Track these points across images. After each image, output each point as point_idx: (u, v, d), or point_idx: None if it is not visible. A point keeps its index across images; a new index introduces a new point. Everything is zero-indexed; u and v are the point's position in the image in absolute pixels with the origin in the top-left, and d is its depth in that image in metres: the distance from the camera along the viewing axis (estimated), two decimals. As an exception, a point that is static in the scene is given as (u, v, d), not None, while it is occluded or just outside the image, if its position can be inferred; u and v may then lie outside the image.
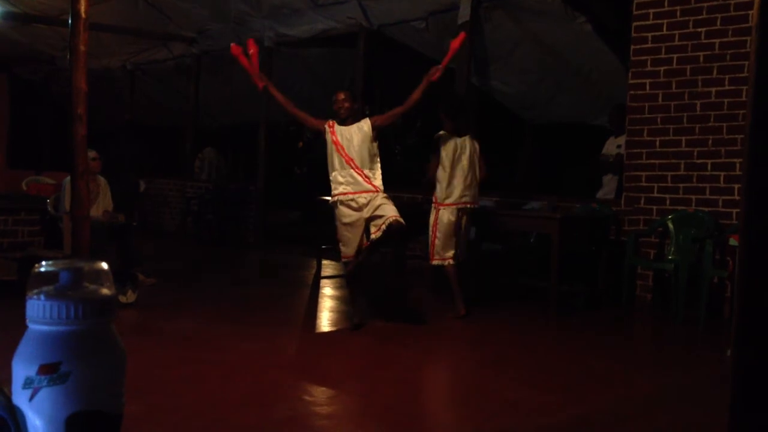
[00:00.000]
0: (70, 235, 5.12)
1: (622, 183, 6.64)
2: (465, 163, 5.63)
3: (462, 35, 5.53)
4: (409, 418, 3.44)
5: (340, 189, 5.13)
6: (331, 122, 5.24)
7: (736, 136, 5.85)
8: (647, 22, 6.34)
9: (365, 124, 5.18)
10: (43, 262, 2.11)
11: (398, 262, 7.44)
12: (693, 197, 6.10)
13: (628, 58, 6.58)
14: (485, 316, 5.78)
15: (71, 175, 4.96)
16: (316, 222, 8.46)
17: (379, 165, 5.20)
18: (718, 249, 5.80)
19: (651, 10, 6.32)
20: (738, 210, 5.04)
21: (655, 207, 6.31)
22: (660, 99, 6.28)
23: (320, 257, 7.79)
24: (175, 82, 12.33)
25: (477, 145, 5.75)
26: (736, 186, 5.83)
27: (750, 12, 5.62)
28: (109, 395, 2.05)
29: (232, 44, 5.49)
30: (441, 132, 5.73)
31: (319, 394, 3.76)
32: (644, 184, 6.37)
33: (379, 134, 5.22)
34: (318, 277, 7.42)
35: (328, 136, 5.21)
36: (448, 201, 5.65)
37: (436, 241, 5.67)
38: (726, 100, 5.92)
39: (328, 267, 7.88)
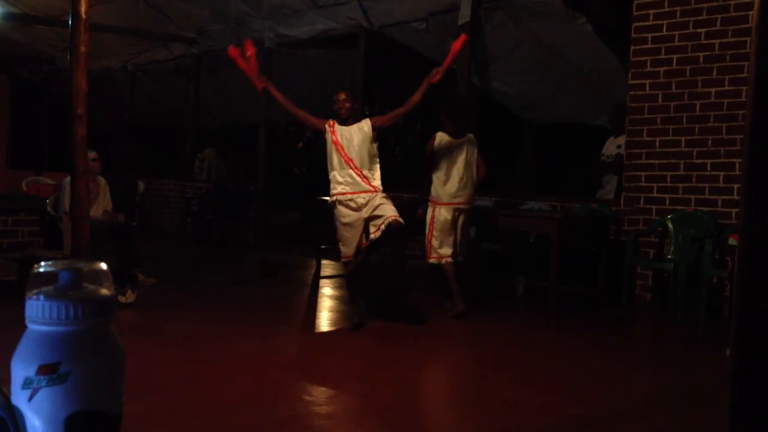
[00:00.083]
0: (69, 235, 5.12)
1: (622, 183, 6.64)
2: (460, 164, 5.67)
3: (463, 37, 5.53)
4: (409, 418, 3.44)
5: (339, 189, 5.14)
6: (331, 122, 5.25)
7: (736, 136, 5.85)
8: (647, 23, 6.34)
9: (365, 125, 5.18)
10: (43, 263, 2.11)
11: (397, 262, 7.44)
12: (692, 197, 6.10)
13: (628, 59, 6.59)
14: (485, 316, 5.78)
15: (71, 175, 4.96)
16: (315, 222, 8.47)
17: (378, 166, 5.21)
18: (717, 249, 5.80)
19: (651, 11, 6.32)
20: (737, 210, 5.05)
21: (654, 207, 6.31)
22: (660, 99, 6.28)
23: (320, 257, 7.79)
24: (175, 83, 12.33)
25: (475, 146, 5.76)
26: (736, 186, 5.83)
27: (750, 13, 5.62)
28: (109, 395, 2.05)
29: (229, 46, 5.43)
30: (437, 133, 5.75)
31: (319, 394, 3.76)
32: (644, 184, 6.37)
33: (379, 135, 5.23)
34: (318, 277, 7.42)
35: (328, 136, 5.21)
36: (443, 200, 5.67)
37: (433, 240, 5.70)
38: (726, 101, 5.92)
39: (327, 267, 7.88)
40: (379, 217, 5.01)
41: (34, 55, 12.90)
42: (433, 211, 5.71)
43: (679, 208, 6.15)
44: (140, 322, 5.24)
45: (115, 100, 12.79)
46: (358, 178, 5.10)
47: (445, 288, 5.73)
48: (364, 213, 5.09)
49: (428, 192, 5.79)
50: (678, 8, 6.16)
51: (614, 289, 6.20)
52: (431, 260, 5.75)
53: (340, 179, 5.14)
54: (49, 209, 6.51)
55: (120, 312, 3.69)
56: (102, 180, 6.59)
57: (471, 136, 5.83)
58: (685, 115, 6.15)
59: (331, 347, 4.79)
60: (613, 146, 7.11)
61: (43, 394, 1.94)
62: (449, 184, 5.66)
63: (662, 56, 6.26)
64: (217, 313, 5.55)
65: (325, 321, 5.66)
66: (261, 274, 8.28)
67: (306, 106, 10.98)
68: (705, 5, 6.01)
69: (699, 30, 6.05)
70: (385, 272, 7.24)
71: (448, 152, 5.68)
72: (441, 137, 5.73)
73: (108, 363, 2.06)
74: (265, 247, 9.92)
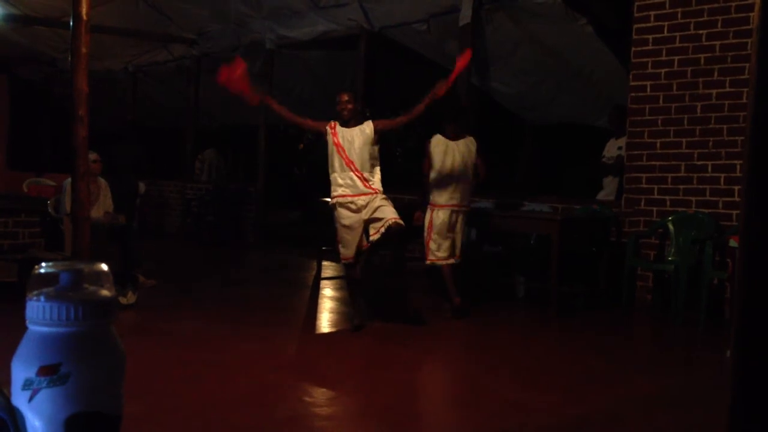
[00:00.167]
0: (70, 236, 5.12)
1: (623, 184, 6.64)
2: (456, 166, 5.68)
3: (468, 53, 5.49)
4: (409, 418, 3.45)
5: (339, 191, 5.14)
6: (332, 123, 5.25)
7: (737, 137, 5.85)
8: (648, 24, 6.34)
9: (367, 127, 5.18)
10: (43, 264, 2.11)
11: (397, 264, 7.44)
12: (693, 199, 6.10)
13: (628, 60, 6.58)
14: (486, 317, 5.78)
15: (72, 176, 4.96)
16: (316, 223, 8.47)
17: (378, 168, 5.22)
18: (718, 250, 5.79)
19: (652, 12, 6.32)
20: (738, 211, 5.05)
21: (655, 208, 6.31)
22: (661, 101, 6.28)
23: (320, 258, 7.79)
24: (176, 84, 12.34)
25: (473, 148, 5.77)
26: (736, 187, 5.83)
27: (751, 14, 5.62)
28: (109, 396, 2.05)
29: (219, 73, 5.19)
30: (434, 135, 5.77)
31: (319, 394, 3.76)
32: (645, 185, 6.37)
33: (380, 138, 5.24)
34: (318, 278, 7.42)
35: (330, 138, 5.22)
36: (439, 202, 5.70)
37: (431, 243, 5.72)
38: (726, 102, 5.92)
39: (328, 268, 7.88)
40: (379, 219, 5.02)
41: (35, 56, 12.91)
42: (432, 213, 5.73)
43: (679, 209, 6.14)
44: (141, 323, 5.24)
45: (116, 101, 12.80)
46: (358, 181, 5.10)
47: (444, 289, 5.74)
48: (364, 215, 5.09)
49: (427, 194, 5.80)
50: (679, 9, 6.16)
51: (615, 290, 6.20)
52: (429, 261, 5.77)
53: (340, 181, 5.14)
54: (50, 210, 6.51)
55: (120, 313, 3.68)
56: (103, 181, 6.59)
57: (470, 137, 5.84)
58: (685, 116, 6.15)
59: (331, 348, 4.80)
60: (613, 148, 7.10)
61: (44, 395, 1.94)
62: (446, 186, 5.68)
63: (663, 57, 6.26)
64: (217, 314, 5.55)
65: (325, 322, 5.66)
66: (261, 274, 8.28)
67: (306, 107, 10.97)
68: (706, 6, 6.01)
69: (700, 31, 6.05)
70: (385, 273, 7.24)
71: (445, 154, 5.70)
72: (438, 139, 5.75)
73: (108, 364, 2.06)
74: (265, 248, 9.93)
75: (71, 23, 4.80)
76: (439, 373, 4.57)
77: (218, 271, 8.19)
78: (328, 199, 5.33)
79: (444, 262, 5.68)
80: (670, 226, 6.13)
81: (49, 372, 1.93)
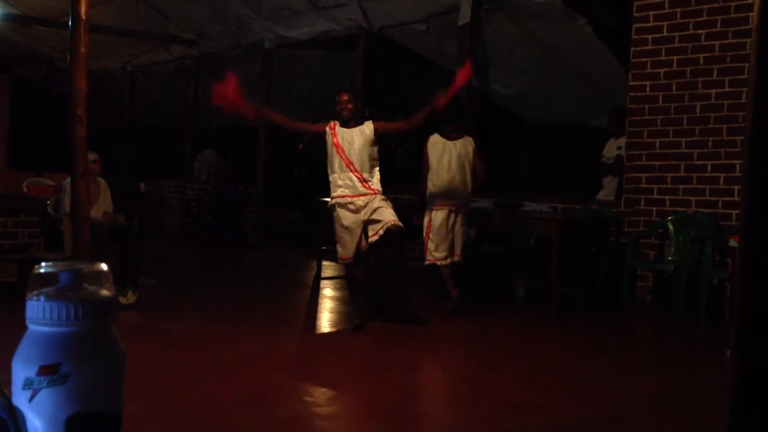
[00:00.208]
0: (70, 236, 5.12)
1: (622, 184, 6.64)
2: (452, 166, 5.69)
3: (468, 66, 5.50)
4: (409, 418, 3.45)
5: (339, 192, 5.14)
6: (332, 123, 5.24)
7: (736, 137, 5.85)
8: (647, 24, 6.35)
9: (367, 128, 5.18)
10: (43, 264, 2.11)
11: (398, 263, 7.44)
12: (693, 198, 6.10)
13: (628, 60, 6.58)
14: (486, 317, 5.78)
15: (71, 176, 4.96)
16: (316, 223, 8.46)
17: (378, 169, 5.22)
18: (717, 250, 5.80)
19: (651, 12, 6.32)
20: (738, 211, 5.05)
21: (655, 208, 6.31)
22: (660, 101, 6.28)
23: (320, 258, 7.79)
24: (175, 84, 12.34)
25: (471, 148, 5.78)
26: (736, 187, 5.83)
27: (750, 14, 5.62)
28: (109, 396, 2.05)
29: (213, 94, 5.24)
30: (432, 135, 5.79)
31: (320, 394, 3.76)
32: (644, 185, 6.37)
33: (379, 139, 5.24)
34: (318, 278, 7.42)
35: (329, 138, 5.21)
36: (437, 202, 5.71)
37: (429, 243, 5.72)
38: (726, 102, 5.92)
39: (328, 268, 7.88)
40: (378, 221, 5.02)
41: (34, 56, 12.91)
42: (430, 213, 5.74)
43: (679, 209, 6.14)
44: (141, 323, 5.24)
45: (115, 101, 12.79)
46: (357, 182, 5.10)
47: (444, 289, 5.74)
48: (363, 215, 5.10)
49: (425, 194, 5.82)
50: (678, 9, 6.16)
51: (614, 290, 6.20)
52: (427, 262, 5.78)
53: (340, 183, 5.14)
54: (49, 210, 6.50)
55: (120, 313, 3.68)
56: (102, 181, 6.59)
57: (468, 137, 5.84)
58: (685, 116, 6.15)
59: (332, 348, 4.79)
60: (613, 147, 7.10)
61: (44, 395, 1.94)
62: (443, 185, 5.69)
63: (662, 57, 6.26)
64: (217, 314, 5.55)
65: (325, 322, 5.66)
66: (261, 274, 8.28)
67: (305, 107, 10.94)
68: (705, 6, 6.01)
69: (699, 31, 6.05)
70: (385, 273, 7.24)
71: (443, 154, 5.71)
72: (435, 139, 5.76)
73: (109, 364, 2.06)
74: (265, 248, 9.92)
75: (70, 23, 4.80)
76: (439, 373, 4.57)
77: (218, 271, 8.19)
78: (328, 199, 5.33)
79: (442, 262, 5.68)
80: (670, 226, 6.14)
81: (49, 372, 1.93)
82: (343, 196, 5.13)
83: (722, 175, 5.94)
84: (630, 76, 6.51)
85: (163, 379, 3.79)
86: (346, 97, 5.21)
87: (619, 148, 6.93)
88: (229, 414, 3.28)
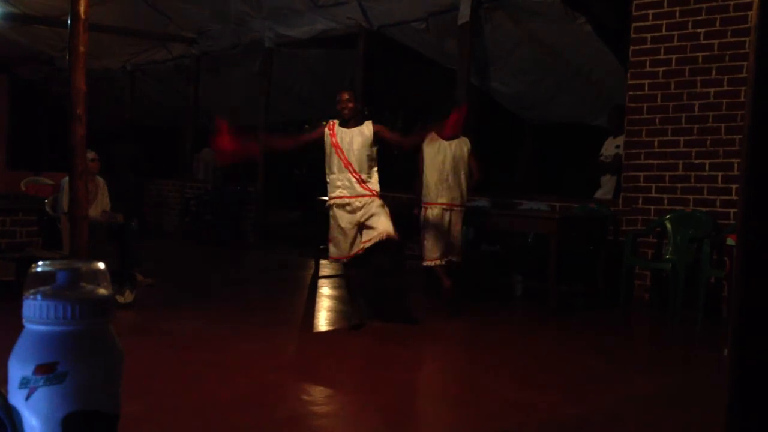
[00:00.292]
0: (68, 235, 5.12)
1: (621, 183, 6.64)
2: (449, 165, 5.71)
3: (464, 109, 5.51)
4: (408, 418, 3.45)
5: (337, 192, 5.14)
6: (331, 123, 5.23)
7: (735, 136, 5.85)
8: (646, 23, 6.34)
9: (367, 128, 5.17)
10: (41, 262, 2.11)
11: (397, 263, 7.43)
12: (691, 197, 6.10)
13: (627, 59, 6.59)
14: (484, 316, 5.78)
15: (70, 175, 4.96)
16: (315, 222, 8.45)
17: (376, 169, 5.22)
18: (715, 249, 5.80)
19: (650, 11, 6.32)
20: (736, 210, 5.05)
21: (653, 207, 6.31)
22: (659, 99, 6.28)
23: (318, 257, 7.78)
24: (175, 83, 12.33)
25: (466, 149, 5.80)
26: (734, 186, 5.83)
27: (749, 13, 5.62)
28: (107, 395, 2.05)
29: (217, 154, 5.31)
30: (428, 134, 5.79)
31: (319, 393, 3.76)
32: (642, 184, 6.37)
33: (377, 140, 5.23)
34: (316, 278, 7.41)
35: (328, 138, 5.20)
36: (430, 201, 5.73)
37: (425, 242, 5.73)
38: (724, 101, 5.92)
39: (326, 267, 7.87)
40: (372, 228, 5.02)
41: (34, 55, 12.89)
42: (425, 211, 5.76)
43: (677, 208, 6.15)
44: (139, 323, 5.24)
45: (114, 100, 12.78)
46: (356, 183, 5.10)
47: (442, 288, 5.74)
48: (359, 217, 5.10)
49: (420, 192, 5.84)
50: (677, 8, 6.16)
51: (612, 289, 6.20)
52: (425, 263, 5.80)
53: (338, 183, 5.14)
54: (47, 209, 6.50)
55: (118, 312, 3.68)
56: (101, 180, 6.59)
57: (464, 138, 5.86)
58: (683, 115, 6.15)
59: (331, 347, 4.79)
60: (611, 146, 7.11)
61: (41, 394, 1.93)
62: (437, 184, 5.71)
63: (661, 56, 6.26)
64: (216, 313, 5.54)
65: (324, 321, 5.66)
66: (260, 274, 8.28)
67: (305, 105, 10.91)
68: (704, 5, 6.01)
69: (698, 30, 6.05)
70: (384, 273, 7.24)
71: (438, 153, 5.73)
72: (431, 138, 5.78)
73: (106, 363, 2.06)
74: (265, 248, 9.92)
75: (69, 22, 4.79)
76: (438, 373, 4.56)
77: (218, 270, 8.19)
78: (326, 198, 5.33)
79: (437, 262, 5.69)
80: (668, 225, 6.14)
81: (46, 371, 1.93)
82: (341, 197, 5.12)
83: (720, 173, 5.94)
84: (629, 74, 6.51)
85: (162, 379, 3.78)
86: (346, 96, 5.20)
87: (617, 146, 6.93)
88: (228, 414, 3.28)
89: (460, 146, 5.78)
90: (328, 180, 5.22)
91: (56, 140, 11.88)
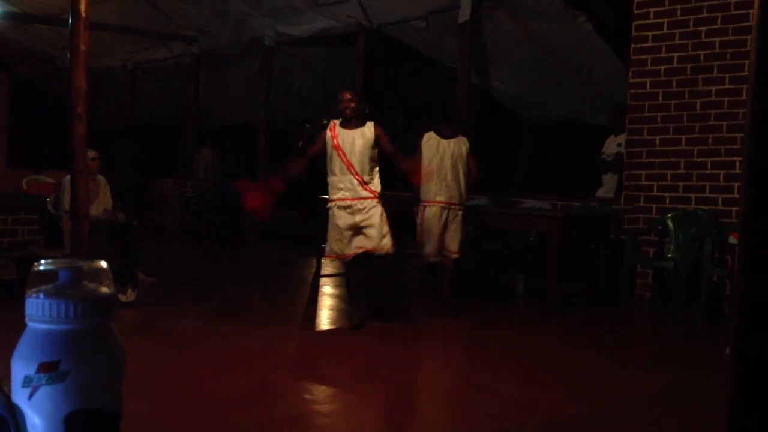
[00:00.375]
0: (70, 234, 5.12)
1: (622, 182, 6.64)
2: (446, 164, 5.72)
3: (420, 173, 5.52)
4: (408, 417, 3.45)
5: (339, 194, 5.13)
6: (332, 125, 5.22)
7: (736, 134, 5.85)
8: (647, 21, 6.34)
9: (368, 130, 5.15)
10: (43, 261, 2.11)
11: (397, 262, 7.44)
12: (693, 196, 6.10)
13: (628, 57, 6.58)
14: (485, 315, 5.78)
15: (71, 174, 4.96)
16: (316, 222, 8.45)
17: (377, 170, 5.22)
18: (717, 247, 5.80)
19: (651, 9, 6.31)
20: (737, 208, 5.05)
21: (654, 205, 6.31)
22: (660, 98, 6.28)
23: (320, 256, 7.78)
24: (175, 81, 12.33)
25: (464, 148, 5.80)
26: (736, 184, 5.83)
27: (750, 11, 5.61)
28: (109, 394, 2.05)
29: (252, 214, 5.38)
30: (426, 133, 5.81)
31: (319, 392, 3.76)
32: (644, 182, 6.37)
33: (378, 142, 5.21)
34: (317, 276, 7.42)
35: (329, 140, 5.18)
36: (429, 199, 5.73)
37: (424, 241, 5.74)
38: (726, 99, 5.92)
39: (327, 266, 7.87)
40: (367, 238, 5.05)
41: (34, 54, 12.89)
42: (423, 210, 5.76)
43: (679, 206, 6.14)
44: (141, 322, 5.24)
45: (115, 99, 12.78)
46: (357, 185, 5.10)
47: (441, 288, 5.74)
48: (358, 220, 5.10)
49: (418, 191, 5.85)
50: (678, 6, 6.15)
51: (614, 287, 6.20)
52: (424, 262, 5.81)
53: (340, 185, 5.13)
54: (49, 208, 6.50)
55: (120, 311, 3.68)
56: (102, 179, 6.59)
57: (463, 137, 5.86)
58: (685, 113, 6.15)
59: (331, 346, 4.80)
60: (613, 145, 7.10)
61: (43, 393, 1.94)
62: (435, 183, 5.70)
63: (663, 54, 6.26)
64: (217, 312, 5.55)
65: (325, 320, 5.66)
66: (261, 272, 8.28)
67: (305, 104, 10.91)
68: (705, 3, 6.00)
69: (699, 28, 6.05)
70: (385, 271, 7.24)
71: (436, 152, 5.73)
72: (429, 137, 5.79)
73: (108, 361, 2.06)
74: (265, 246, 9.92)
75: (70, 21, 4.79)
76: (438, 372, 4.56)
77: (218, 269, 8.19)
78: (326, 196, 5.32)
79: (434, 259, 5.70)
80: (670, 223, 6.13)
81: (49, 369, 1.93)
82: (343, 199, 5.12)
83: (722, 172, 5.94)
84: (630, 73, 6.50)
85: (163, 378, 3.79)
86: (348, 96, 5.18)
87: (619, 145, 6.93)
88: (229, 412, 3.28)
89: (459, 145, 5.78)
90: (329, 181, 5.21)
91: (57, 139, 11.89)
